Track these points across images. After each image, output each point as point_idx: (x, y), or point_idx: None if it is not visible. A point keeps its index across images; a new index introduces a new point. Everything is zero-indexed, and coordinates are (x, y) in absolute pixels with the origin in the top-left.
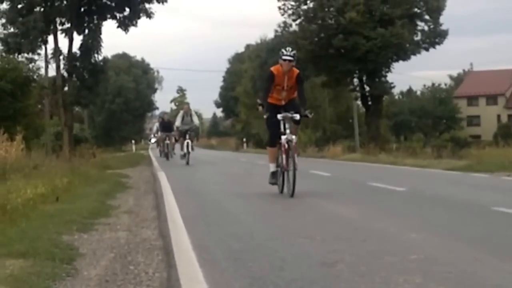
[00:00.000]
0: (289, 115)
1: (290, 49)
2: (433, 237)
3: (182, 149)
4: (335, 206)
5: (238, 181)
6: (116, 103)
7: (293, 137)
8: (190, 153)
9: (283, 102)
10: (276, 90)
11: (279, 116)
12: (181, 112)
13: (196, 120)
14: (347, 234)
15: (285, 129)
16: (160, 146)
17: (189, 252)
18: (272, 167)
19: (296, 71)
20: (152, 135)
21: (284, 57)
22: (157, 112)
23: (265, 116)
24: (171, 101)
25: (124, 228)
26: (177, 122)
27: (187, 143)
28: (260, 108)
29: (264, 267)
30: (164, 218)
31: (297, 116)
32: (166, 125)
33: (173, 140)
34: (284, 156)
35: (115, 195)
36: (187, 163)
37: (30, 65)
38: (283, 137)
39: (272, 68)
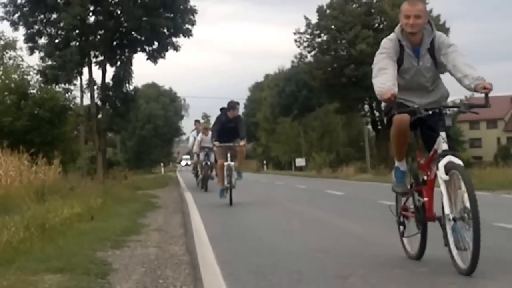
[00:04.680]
0: None
1: None
2: (439, 251)
3: None
4: (348, 223)
5: (258, 200)
6: (146, 129)
7: None
8: None
9: None
10: None
11: None
12: None
13: None
14: (359, 249)
15: None
16: (202, 169)
17: (214, 266)
18: None
19: None
20: (190, 152)
21: None
22: (184, 137)
23: None
24: None
25: (154, 245)
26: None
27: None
28: None
29: (283, 280)
30: (191, 235)
31: None
32: (230, 129)
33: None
34: None
35: (145, 214)
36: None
37: (67, 95)
38: None
39: None
